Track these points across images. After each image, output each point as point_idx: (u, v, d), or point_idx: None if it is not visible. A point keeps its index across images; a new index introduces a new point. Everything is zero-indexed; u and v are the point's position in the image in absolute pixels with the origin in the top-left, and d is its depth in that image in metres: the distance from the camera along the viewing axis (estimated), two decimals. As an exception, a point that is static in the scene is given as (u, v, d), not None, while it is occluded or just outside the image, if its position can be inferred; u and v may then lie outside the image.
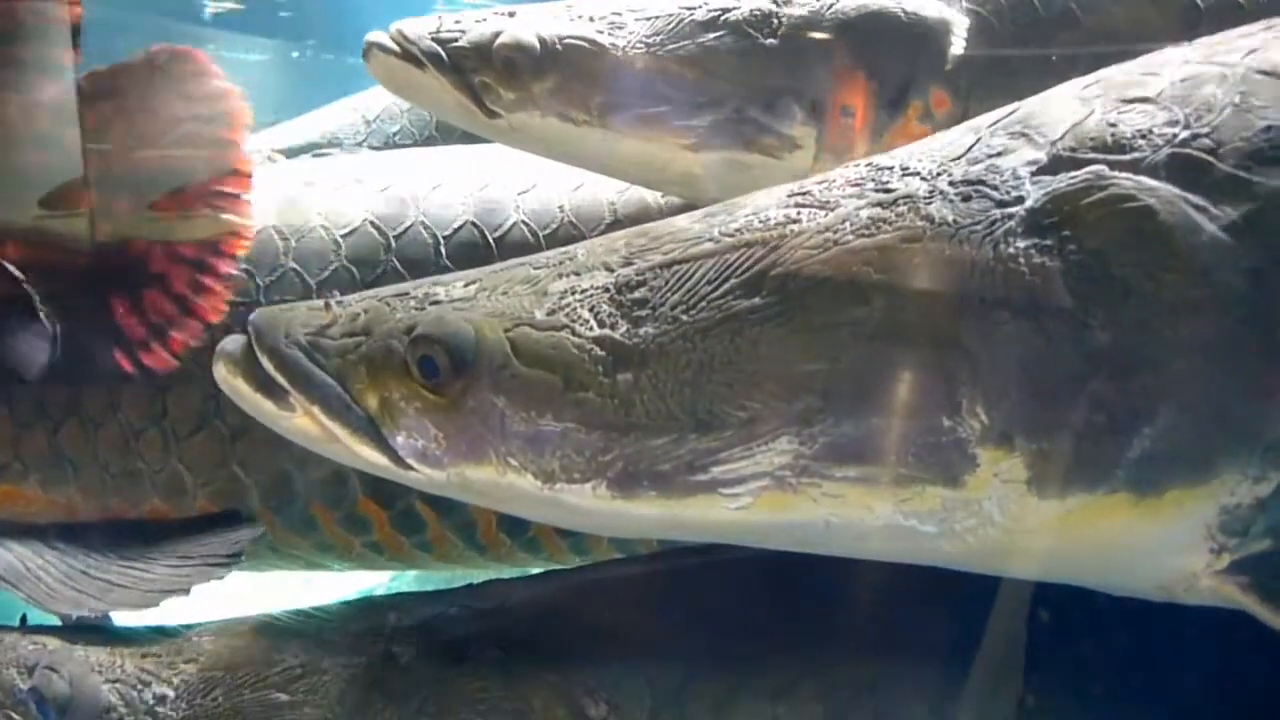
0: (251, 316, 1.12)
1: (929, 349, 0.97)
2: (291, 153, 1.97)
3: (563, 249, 1.13)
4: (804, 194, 1.06)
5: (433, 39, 1.43)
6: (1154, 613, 1.12)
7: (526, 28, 1.41)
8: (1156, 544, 1.00)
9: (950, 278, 0.96)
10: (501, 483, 1.04)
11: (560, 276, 1.07)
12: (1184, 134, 0.96)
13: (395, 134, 2.18)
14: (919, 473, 0.97)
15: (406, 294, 1.12)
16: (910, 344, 0.97)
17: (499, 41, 1.41)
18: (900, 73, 1.35)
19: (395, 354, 1.06)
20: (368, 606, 1.48)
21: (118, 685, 1.36)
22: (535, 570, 1.62)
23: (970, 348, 0.96)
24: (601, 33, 1.40)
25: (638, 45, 1.39)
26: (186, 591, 1.46)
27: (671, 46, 1.38)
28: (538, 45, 1.40)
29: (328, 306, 1.11)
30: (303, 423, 1.09)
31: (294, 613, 1.47)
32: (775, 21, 1.36)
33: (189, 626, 1.48)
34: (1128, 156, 0.97)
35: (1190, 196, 0.94)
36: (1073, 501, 0.97)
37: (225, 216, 1.46)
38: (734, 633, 1.30)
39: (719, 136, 1.38)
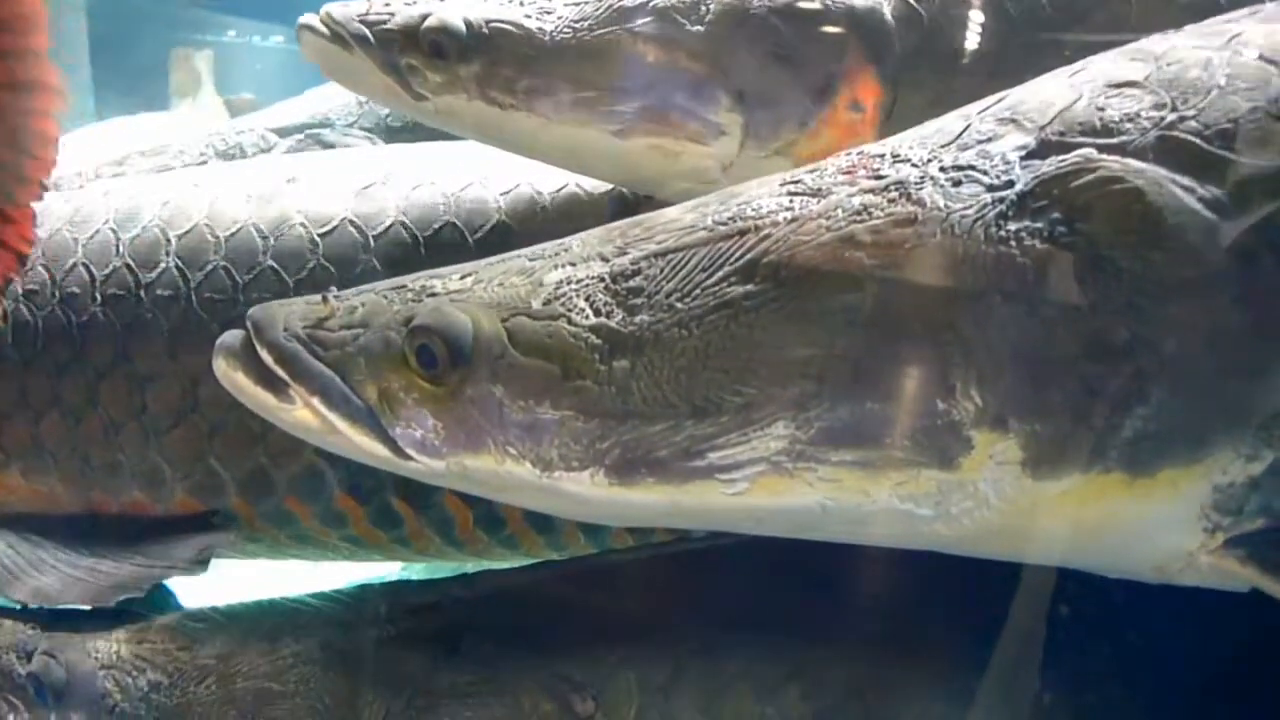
0: (250, 311, 1.13)
1: (922, 333, 0.97)
2: (285, 132, 1.98)
3: (558, 240, 1.14)
4: (796, 182, 1.07)
5: (360, 21, 1.44)
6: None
7: (453, 10, 1.42)
8: (1151, 524, 1.01)
9: (942, 261, 0.97)
10: (500, 471, 1.05)
11: (556, 267, 1.08)
12: (1171, 117, 0.97)
13: (387, 115, 2.18)
14: (914, 456, 0.98)
15: (404, 286, 1.14)
16: (903, 328, 0.98)
17: (425, 24, 1.42)
18: (828, 61, 1.35)
19: (393, 345, 1.08)
20: (362, 595, 1.49)
21: (113, 671, 1.37)
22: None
23: (963, 331, 0.97)
24: (529, 17, 1.41)
25: (565, 30, 1.39)
26: (142, 592, 1.46)
27: (599, 32, 1.38)
28: (463, 28, 1.40)
29: (325, 300, 1.12)
30: (303, 415, 1.10)
31: (290, 600, 1.48)
32: (703, 8, 1.36)
33: (187, 613, 1.50)
34: (1115, 140, 0.98)
35: (1178, 178, 0.95)
36: (1067, 482, 0.98)
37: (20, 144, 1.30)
38: (725, 631, 1.31)
39: (645, 122, 1.38)
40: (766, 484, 1.01)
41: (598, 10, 1.39)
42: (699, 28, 1.36)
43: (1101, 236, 0.95)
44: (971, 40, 1.34)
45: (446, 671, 1.32)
